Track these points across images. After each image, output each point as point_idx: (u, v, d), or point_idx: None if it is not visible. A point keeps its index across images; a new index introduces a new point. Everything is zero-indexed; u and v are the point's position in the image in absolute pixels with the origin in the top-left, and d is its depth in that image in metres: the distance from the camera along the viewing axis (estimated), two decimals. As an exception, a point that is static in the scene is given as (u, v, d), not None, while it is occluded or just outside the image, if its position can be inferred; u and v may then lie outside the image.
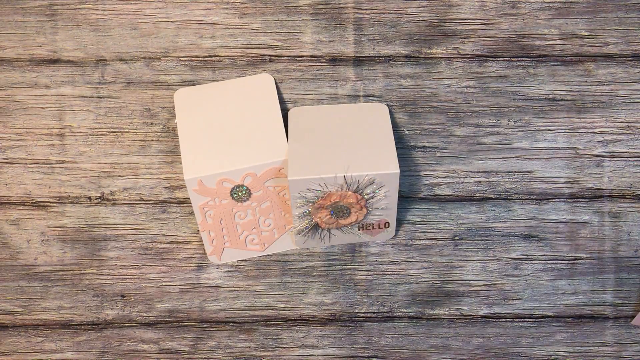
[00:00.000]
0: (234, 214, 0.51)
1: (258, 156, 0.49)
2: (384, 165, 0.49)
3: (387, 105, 0.54)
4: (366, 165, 0.49)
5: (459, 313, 0.54)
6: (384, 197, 0.49)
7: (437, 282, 0.54)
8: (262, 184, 0.50)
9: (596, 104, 0.54)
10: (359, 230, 0.51)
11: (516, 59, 0.54)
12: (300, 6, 0.54)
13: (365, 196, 0.49)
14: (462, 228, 0.54)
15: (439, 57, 0.54)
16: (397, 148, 0.53)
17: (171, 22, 0.54)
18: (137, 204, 0.54)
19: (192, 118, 0.51)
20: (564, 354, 0.55)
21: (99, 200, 0.54)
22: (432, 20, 0.54)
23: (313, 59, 0.54)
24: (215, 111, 0.52)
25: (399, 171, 0.48)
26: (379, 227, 0.52)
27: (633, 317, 0.54)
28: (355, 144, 0.50)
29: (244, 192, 0.50)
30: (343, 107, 0.54)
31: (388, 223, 0.51)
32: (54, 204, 0.54)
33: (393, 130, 0.53)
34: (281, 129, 0.51)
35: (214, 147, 0.50)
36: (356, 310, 0.55)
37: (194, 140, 0.51)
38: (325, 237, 0.52)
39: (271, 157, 0.50)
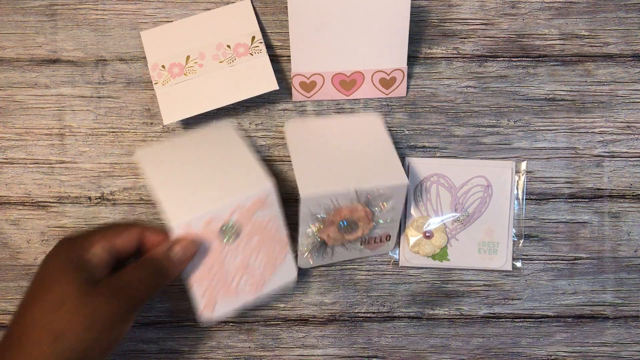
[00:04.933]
0: (224, 257, 0.47)
1: (241, 189, 0.46)
2: (393, 177, 0.48)
3: (388, 105, 0.54)
4: (376, 178, 0.48)
5: (459, 313, 0.54)
6: (391, 209, 0.49)
7: (437, 282, 0.54)
8: (250, 217, 0.47)
9: (596, 104, 0.54)
10: (360, 245, 0.51)
11: (516, 59, 0.54)
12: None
13: (375, 209, 0.48)
14: (462, 228, 0.54)
15: (439, 57, 0.54)
16: (397, 148, 0.53)
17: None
18: (137, 204, 0.54)
19: (158, 168, 0.48)
20: (564, 353, 0.55)
21: (99, 200, 0.54)
22: (432, 20, 0.54)
23: (313, 59, 0.54)
24: (184, 157, 0.49)
25: (408, 182, 0.48)
26: (380, 241, 0.52)
27: (633, 317, 0.54)
28: (359, 157, 0.49)
29: (233, 230, 0.46)
30: (338, 118, 0.53)
31: (389, 236, 0.51)
32: (54, 204, 0.54)
33: (391, 131, 0.54)
34: (253, 161, 0.48)
35: (192, 189, 0.46)
36: (356, 310, 0.55)
37: (169, 187, 0.47)
38: (328, 254, 0.51)
39: (255, 187, 0.46)
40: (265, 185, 0.46)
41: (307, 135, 0.51)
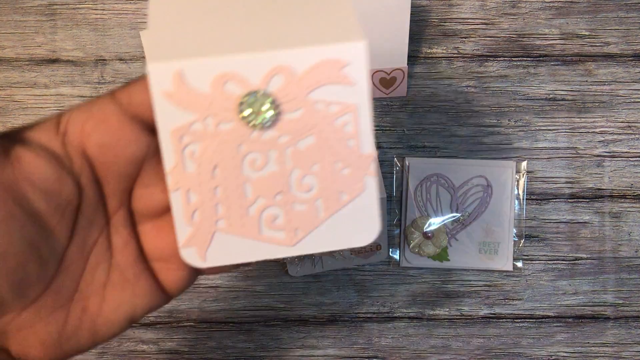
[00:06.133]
0: (242, 157, 0.25)
1: (301, 37, 0.24)
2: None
3: (388, 104, 0.54)
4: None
5: (459, 313, 0.54)
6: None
7: (438, 282, 0.54)
8: (305, 93, 0.24)
9: (597, 104, 0.54)
10: (351, 254, 0.51)
11: (517, 59, 0.54)
12: None
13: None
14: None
15: (439, 57, 0.54)
16: (397, 148, 0.53)
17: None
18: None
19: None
20: (565, 354, 0.54)
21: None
22: (433, 20, 0.54)
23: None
24: None
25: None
26: (371, 250, 0.51)
27: (634, 317, 0.54)
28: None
29: (267, 108, 0.24)
30: None
31: (380, 245, 0.51)
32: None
33: (391, 131, 0.53)
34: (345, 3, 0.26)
35: (213, 22, 0.25)
36: (356, 311, 0.54)
37: (174, 13, 0.26)
38: (318, 263, 0.51)
39: (330, 38, 0.24)
40: (353, 42, 0.24)
41: None
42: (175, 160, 0.25)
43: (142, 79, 0.25)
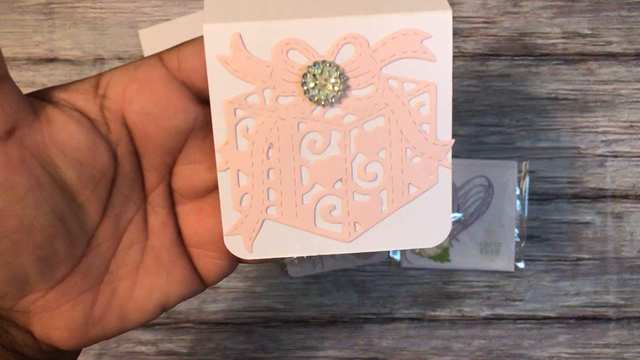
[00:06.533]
0: (301, 137, 0.22)
1: (376, 3, 0.22)
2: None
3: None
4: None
5: (460, 314, 0.54)
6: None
7: (439, 283, 0.54)
8: (377, 67, 0.22)
9: (599, 103, 0.54)
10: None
11: (518, 58, 0.54)
12: None
13: None
14: (463, 228, 0.54)
15: (440, 56, 0.54)
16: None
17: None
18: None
19: None
20: (566, 355, 0.54)
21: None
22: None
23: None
24: None
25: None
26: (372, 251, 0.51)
27: (636, 318, 0.54)
28: None
29: (333, 79, 0.21)
30: None
31: None
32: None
33: None
34: None
35: None
36: (357, 312, 0.54)
37: None
38: (318, 264, 0.51)
39: (409, 6, 0.22)
40: (437, 11, 0.21)
41: None
42: (227, 136, 0.22)
43: (194, 40, 0.22)
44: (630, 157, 0.54)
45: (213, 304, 0.54)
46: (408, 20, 0.21)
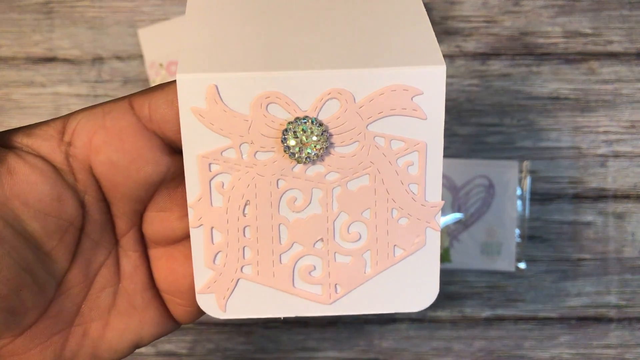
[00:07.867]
0: (280, 194, 0.21)
1: (364, 56, 0.20)
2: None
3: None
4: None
5: (461, 315, 0.54)
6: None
7: (439, 283, 0.54)
8: (363, 124, 0.21)
9: (600, 103, 0.54)
10: None
11: (519, 57, 0.54)
12: None
13: None
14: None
15: (440, 56, 0.54)
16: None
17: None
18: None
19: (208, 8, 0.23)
20: (568, 356, 0.54)
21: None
22: (434, 18, 0.54)
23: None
24: None
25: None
26: None
27: (638, 319, 0.54)
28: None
29: (315, 137, 0.20)
30: None
31: None
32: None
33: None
34: (421, 11, 0.22)
35: (260, 31, 0.21)
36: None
37: (215, 18, 0.22)
38: None
39: (399, 60, 0.20)
40: (429, 66, 0.20)
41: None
42: (201, 191, 0.21)
43: (167, 88, 0.21)
44: (632, 157, 0.54)
45: (212, 304, 0.54)
46: (398, 75, 0.20)
